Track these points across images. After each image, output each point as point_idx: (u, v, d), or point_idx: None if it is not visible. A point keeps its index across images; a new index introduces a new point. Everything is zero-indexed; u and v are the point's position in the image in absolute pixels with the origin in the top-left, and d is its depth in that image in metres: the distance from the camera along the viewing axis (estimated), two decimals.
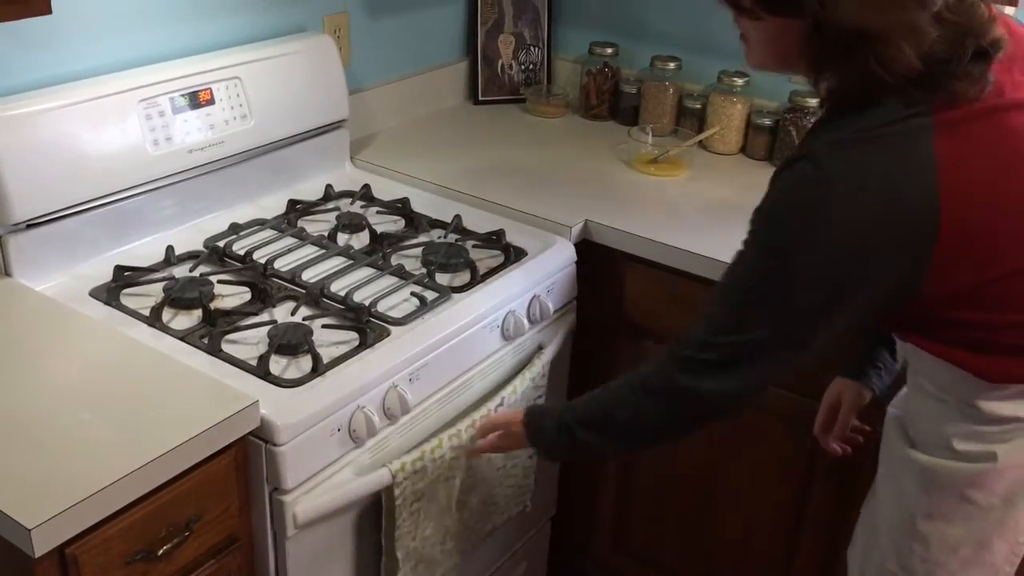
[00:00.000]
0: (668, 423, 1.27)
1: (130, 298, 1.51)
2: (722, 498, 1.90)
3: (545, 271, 1.71)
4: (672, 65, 2.22)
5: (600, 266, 1.85)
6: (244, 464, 1.28)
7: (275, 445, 1.27)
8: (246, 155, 1.77)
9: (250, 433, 1.27)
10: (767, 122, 2.13)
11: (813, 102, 2.06)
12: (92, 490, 1.08)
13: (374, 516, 1.47)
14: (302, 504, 1.32)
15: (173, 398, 1.25)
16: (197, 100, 1.68)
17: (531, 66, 2.41)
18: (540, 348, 1.73)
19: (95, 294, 1.51)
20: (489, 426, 1.47)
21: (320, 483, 1.34)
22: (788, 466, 1.80)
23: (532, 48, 2.40)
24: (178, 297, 1.50)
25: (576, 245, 1.80)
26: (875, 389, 1.47)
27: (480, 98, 2.40)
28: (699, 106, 2.21)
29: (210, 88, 1.70)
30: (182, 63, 1.69)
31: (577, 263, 1.79)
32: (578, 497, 2.09)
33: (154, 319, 1.45)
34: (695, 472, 1.91)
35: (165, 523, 1.19)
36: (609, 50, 2.30)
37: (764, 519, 1.87)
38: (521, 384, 1.63)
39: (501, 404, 1.58)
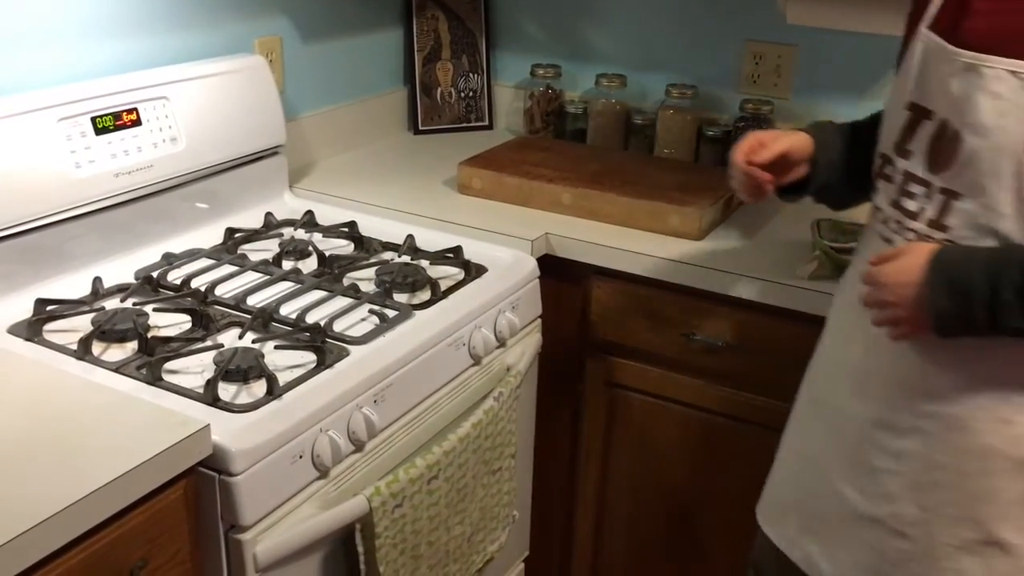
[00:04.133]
0: None
1: (54, 334, 1.35)
2: (704, 521, 1.79)
3: (508, 285, 1.60)
4: (617, 82, 2.16)
5: (564, 281, 1.75)
6: (195, 499, 1.13)
7: (230, 475, 1.12)
8: (177, 180, 1.64)
9: (200, 464, 1.11)
10: (717, 133, 2.08)
11: (765, 108, 2.02)
12: (16, 531, 0.91)
13: (345, 561, 1.32)
14: (263, 543, 1.16)
15: (111, 428, 1.10)
16: (122, 120, 1.55)
17: (471, 93, 2.34)
18: (508, 370, 1.61)
19: (14, 331, 1.35)
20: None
21: (282, 518, 1.19)
22: None
23: (471, 75, 2.33)
24: (109, 329, 1.35)
25: (538, 260, 1.70)
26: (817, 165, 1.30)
27: (420, 128, 2.31)
28: (648, 122, 2.15)
29: (136, 108, 1.57)
30: (104, 81, 1.56)
31: (540, 279, 1.69)
32: (553, 536, 1.96)
33: (83, 352, 1.30)
34: (674, 497, 1.80)
35: (105, 571, 1.03)
36: (552, 71, 2.24)
37: (750, 540, 1.76)
38: (491, 408, 1.50)
39: (475, 428, 1.45)
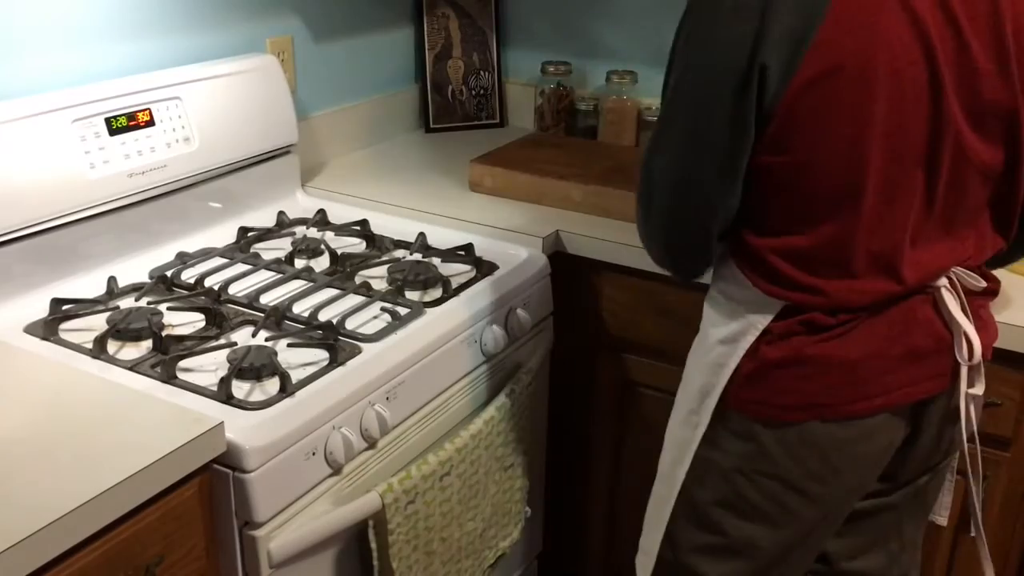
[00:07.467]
0: None
1: (70, 333, 1.37)
2: None
3: (520, 283, 1.61)
4: (628, 79, 2.16)
5: (575, 278, 1.76)
6: (209, 496, 1.14)
7: (244, 472, 1.13)
8: (191, 180, 1.65)
9: (215, 461, 1.13)
10: None
11: None
12: (35, 528, 0.93)
13: (359, 557, 1.33)
14: (277, 539, 1.17)
15: (126, 426, 1.11)
16: (135, 121, 1.56)
17: (482, 91, 2.34)
18: (519, 367, 1.62)
19: (30, 330, 1.36)
20: None
21: (296, 514, 1.20)
22: None
23: (482, 73, 2.33)
24: (124, 328, 1.36)
25: (549, 258, 1.70)
26: None
27: (432, 126, 2.32)
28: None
29: (149, 108, 1.58)
30: (118, 82, 1.57)
31: (552, 276, 1.69)
32: (566, 531, 1.96)
33: (98, 351, 1.31)
34: None
35: (123, 567, 1.04)
36: (562, 68, 2.24)
37: None
38: (503, 404, 1.51)
39: (488, 425, 1.46)
